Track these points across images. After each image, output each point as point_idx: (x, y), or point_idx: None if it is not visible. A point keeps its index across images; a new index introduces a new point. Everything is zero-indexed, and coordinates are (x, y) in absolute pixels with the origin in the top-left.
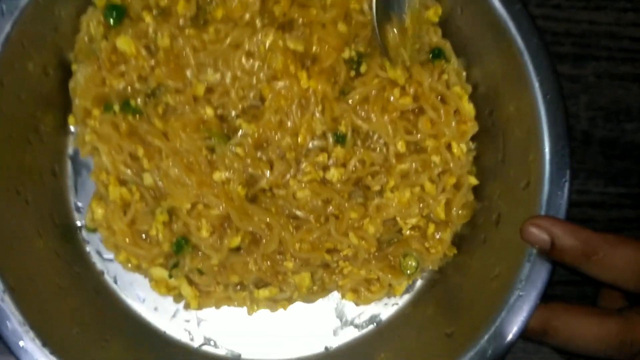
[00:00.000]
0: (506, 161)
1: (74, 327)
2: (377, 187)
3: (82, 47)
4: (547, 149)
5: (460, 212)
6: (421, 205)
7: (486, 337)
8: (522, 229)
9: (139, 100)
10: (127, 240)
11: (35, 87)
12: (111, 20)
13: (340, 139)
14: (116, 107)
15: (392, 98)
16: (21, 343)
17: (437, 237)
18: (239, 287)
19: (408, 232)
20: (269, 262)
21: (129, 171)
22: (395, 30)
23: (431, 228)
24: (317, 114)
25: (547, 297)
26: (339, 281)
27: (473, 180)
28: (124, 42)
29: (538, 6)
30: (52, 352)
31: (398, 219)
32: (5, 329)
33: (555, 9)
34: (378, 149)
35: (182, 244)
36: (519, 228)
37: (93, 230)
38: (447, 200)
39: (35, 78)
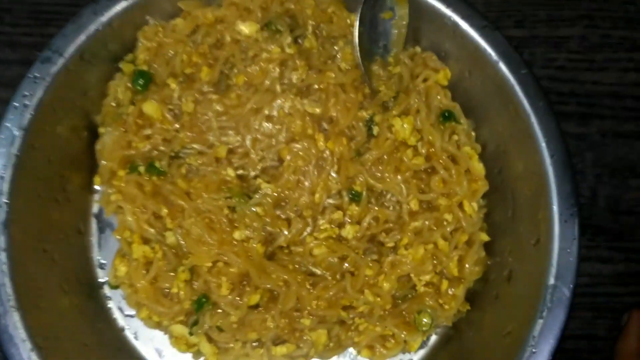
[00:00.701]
0: (516, 218)
1: None
2: (391, 244)
3: (110, 111)
4: (555, 207)
5: (472, 268)
6: (435, 262)
7: None
8: None
9: (163, 161)
10: (149, 297)
11: (64, 148)
12: (138, 86)
13: (355, 197)
14: (141, 168)
15: (405, 158)
16: None
17: (451, 293)
18: (256, 343)
19: (422, 289)
20: (286, 319)
21: (152, 230)
22: (378, 67)
23: (444, 284)
24: (333, 174)
25: (559, 351)
26: (355, 338)
27: (484, 237)
28: (150, 107)
29: (543, 67)
30: None
31: (412, 275)
32: None
33: (559, 70)
34: (392, 207)
35: (202, 302)
36: (529, 284)
37: (116, 287)
38: (459, 256)
39: (63, 140)
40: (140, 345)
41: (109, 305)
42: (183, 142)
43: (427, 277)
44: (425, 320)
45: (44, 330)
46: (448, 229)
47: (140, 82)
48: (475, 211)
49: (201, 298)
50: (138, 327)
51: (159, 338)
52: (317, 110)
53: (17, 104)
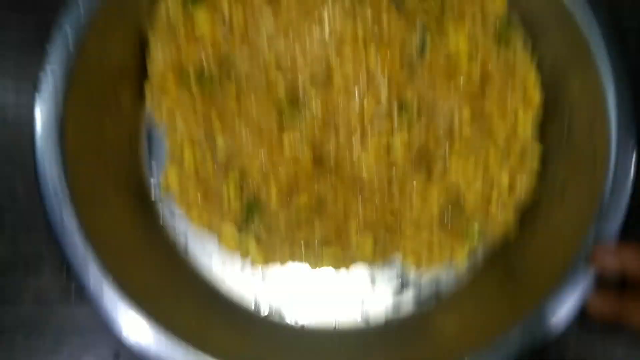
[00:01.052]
0: (572, 131)
1: (150, 281)
2: (440, 154)
3: (161, 22)
4: (613, 121)
5: (524, 180)
6: (485, 172)
7: (547, 305)
8: (590, 255)
9: (213, 73)
10: (199, 199)
11: (117, 57)
12: None
13: (405, 108)
14: (191, 78)
15: (458, 68)
16: (103, 289)
17: (501, 204)
18: (304, 245)
19: (472, 199)
20: (333, 223)
21: (202, 135)
22: None
23: (495, 195)
24: (383, 82)
25: None
26: (401, 243)
27: (538, 149)
28: (201, 17)
29: None
30: (132, 297)
31: (461, 185)
32: (87, 276)
33: None
34: (442, 117)
35: (252, 204)
36: (583, 201)
37: (167, 192)
38: (511, 167)
39: (116, 49)
40: (190, 252)
41: (160, 212)
42: (233, 51)
43: (477, 187)
44: (473, 230)
45: (97, 226)
46: (500, 140)
47: None
48: (530, 122)
49: (250, 200)
50: (187, 233)
51: (209, 253)
52: (369, 15)
53: (71, 5)
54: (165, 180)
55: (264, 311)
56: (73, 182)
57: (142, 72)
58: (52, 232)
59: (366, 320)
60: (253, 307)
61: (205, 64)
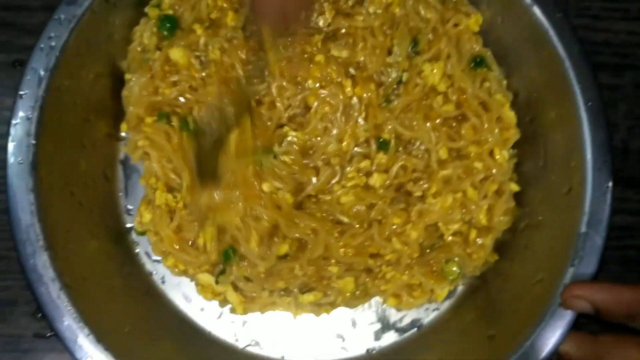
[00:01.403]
0: (548, 167)
1: (126, 325)
2: (419, 193)
3: (135, 56)
4: (589, 155)
5: (501, 218)
6: (463, 211)
7: (529, 341)
8: (562, 300)
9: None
10: (174, 246)
11: (90, 93)
12: (165, 31)
13: (383, 146)
14: (175, 123)
15: (434, 105)
16: (77, 339)
17: (479, 242)
18: (283, 292)
19: (450, 238)
20: (314, 267)
21: (177, 179)
22: None
23: (473, 234)
24: (361, 121)
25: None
26: (382, 286)
27: (515, 187)
28: (177, 53)
29: (577, 17)
30: (106, 348)
31: (440, 224)
32: (61, 325)
33: (594, 19)
34: (420, 155)
35: (229, 254)
36: (560, 233)
37: (142, 234)
38: (489, 206)
39: (89, 85)
40: (167, 290)
41: (136, 251)
42: (210, 94)
43: (455, 227)
44: (452, 269)
45: (72, 271)
46: (478, 178)
47: (167, 26)
48: (506, 159)
49: (228, 250)
50: (165, 272)
51: (186, 283)
52: (345, 55)
53: (43, 46)
54: (139, 224)
55: (244, 344)
56: (47, 226)
57: (118, 109)
58: (26, 280)
59: (347, 354)
60: (232, 342)
61: (182, 102)
